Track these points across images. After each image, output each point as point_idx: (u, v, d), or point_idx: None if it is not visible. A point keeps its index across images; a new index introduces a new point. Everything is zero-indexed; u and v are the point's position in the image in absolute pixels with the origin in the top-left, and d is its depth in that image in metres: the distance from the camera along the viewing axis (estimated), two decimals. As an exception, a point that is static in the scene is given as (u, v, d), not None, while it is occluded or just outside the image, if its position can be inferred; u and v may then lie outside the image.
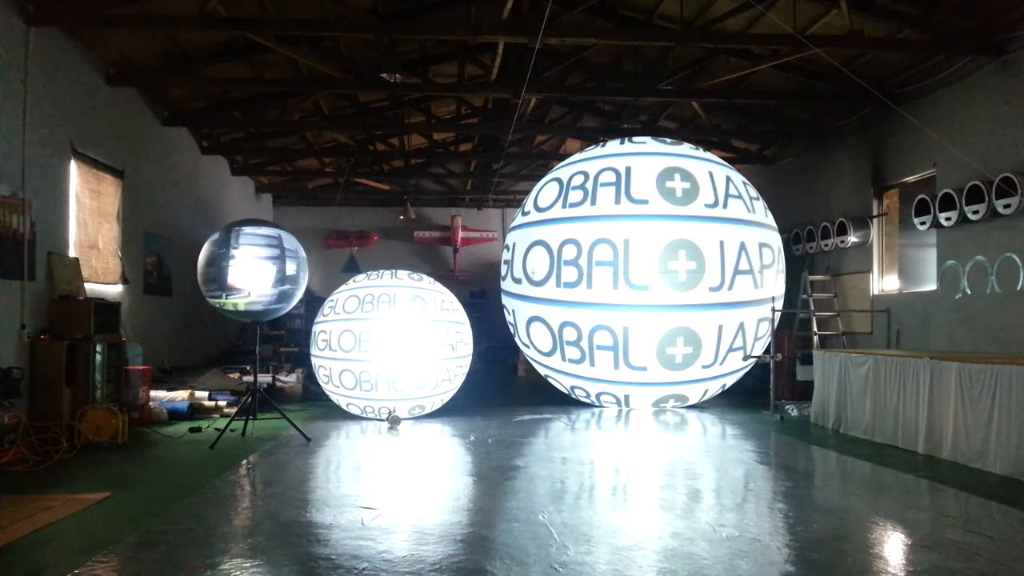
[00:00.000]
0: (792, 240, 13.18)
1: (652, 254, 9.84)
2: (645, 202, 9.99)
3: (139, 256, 11.55)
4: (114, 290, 10.40)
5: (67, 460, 7.05)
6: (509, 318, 11.34)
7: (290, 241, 8.72)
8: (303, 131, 14.99)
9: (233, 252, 8.34)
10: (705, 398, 10.87)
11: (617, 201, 10.08)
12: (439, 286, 10.27)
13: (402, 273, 10.09)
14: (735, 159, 14.12)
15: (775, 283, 10.52)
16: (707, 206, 10.02)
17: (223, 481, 6.38)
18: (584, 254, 10.04)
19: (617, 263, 9.90)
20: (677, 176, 10.15)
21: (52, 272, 8.70)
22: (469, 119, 15.03)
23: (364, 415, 9.82)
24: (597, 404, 10.95)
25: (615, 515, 5.47)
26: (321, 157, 16.55)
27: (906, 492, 6.31)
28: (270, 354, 13.13)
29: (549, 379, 11.34)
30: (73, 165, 9.45)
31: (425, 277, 10.28)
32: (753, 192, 10.68)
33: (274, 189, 19.47)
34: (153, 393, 9.81)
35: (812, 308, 12.26)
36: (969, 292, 9.47)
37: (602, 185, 10.25)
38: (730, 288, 9.96)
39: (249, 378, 10.23)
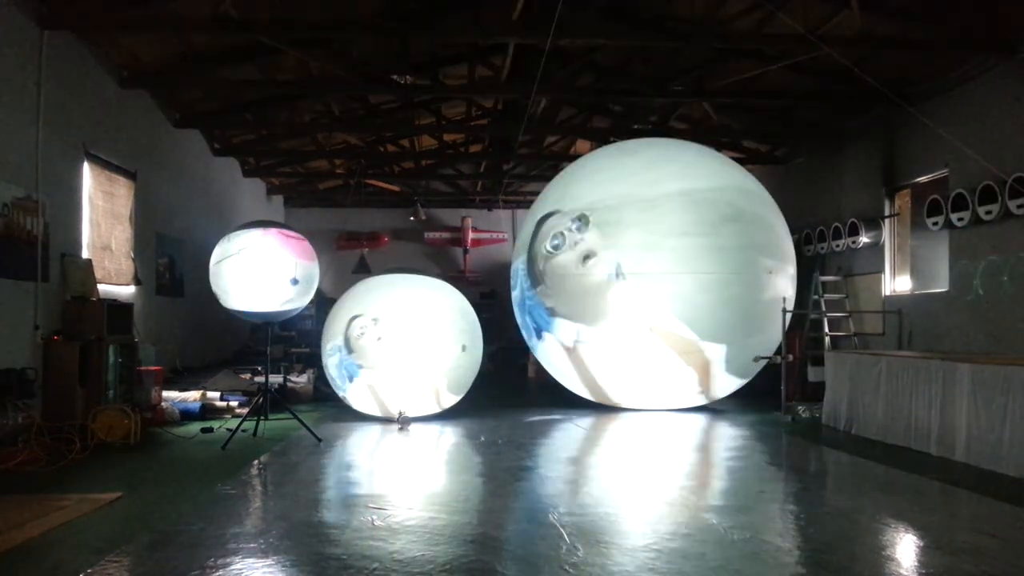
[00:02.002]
0: (803, 241, 13.11)
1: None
2: None
3: (151, 257, 11.63)
4: (127, 291, 10.47)
5: (80, 460, 7.09)
6: None
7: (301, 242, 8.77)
8: (314, 133, 15.05)
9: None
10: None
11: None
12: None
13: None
14: (745, 160, 14.08)
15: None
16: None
17: (235, 481, 6.41)
18: None
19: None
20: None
21: (65, 274, 8.76)
22: (479, 120, 15.04)
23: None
24: None
25: (625, 516, 5.46)
26: (332, 159, 16.60)
27: (918, 494, 6.27)
28: (281, 355, 13.17)
29: None
30: (86, 167, 9.52)
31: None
32: None
33: (285, 191, 19.56)
34: (165, 394, 9.84)
35: (823, 309, 12.20)
36: (982, 293, 9.41)
37: None
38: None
39: (260, 379, 10.27)
